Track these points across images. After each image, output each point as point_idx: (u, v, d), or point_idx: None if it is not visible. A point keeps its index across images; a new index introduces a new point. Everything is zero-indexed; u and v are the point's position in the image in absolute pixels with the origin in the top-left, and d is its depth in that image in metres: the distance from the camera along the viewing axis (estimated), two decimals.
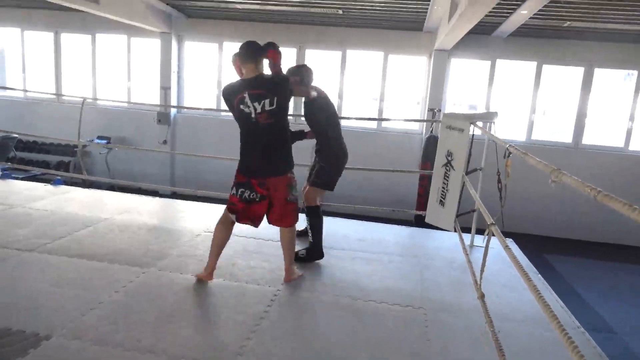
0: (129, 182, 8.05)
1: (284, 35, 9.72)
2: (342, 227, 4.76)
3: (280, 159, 3.27)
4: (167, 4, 9.20)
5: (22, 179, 7.31)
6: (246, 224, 3.34)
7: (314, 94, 3.70)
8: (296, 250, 3.62)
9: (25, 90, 10.56)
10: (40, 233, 4.01)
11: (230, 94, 3.19)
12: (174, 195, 9.51)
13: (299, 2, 8.23)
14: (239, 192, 3.25)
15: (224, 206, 5.30)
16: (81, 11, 8.32)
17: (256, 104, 3.09)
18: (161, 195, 7.56)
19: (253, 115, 3.11)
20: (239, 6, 8.76)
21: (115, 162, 10.54)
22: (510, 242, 4.23)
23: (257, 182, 3.21)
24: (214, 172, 9.99)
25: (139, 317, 2.80)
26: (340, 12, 8.41)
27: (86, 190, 5.92)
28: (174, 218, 5.12)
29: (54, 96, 10.59)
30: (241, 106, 3.13)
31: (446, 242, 4.54)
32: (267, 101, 3.08)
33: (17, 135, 8.70)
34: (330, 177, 3.88)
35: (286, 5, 8.48)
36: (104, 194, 5.77)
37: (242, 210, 3.26)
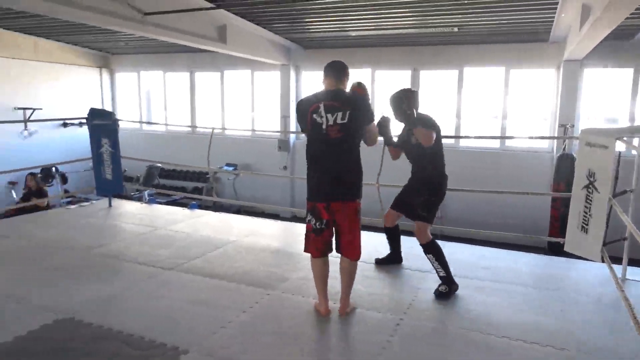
0: (253, 205, 8.54)
1: (398, 58, 9.72)
2: (465, 253, 4.48)
3: (351, 181, 3.02)
4: (286, 38, 9.77)
5: (164, 203, 8.15)
6: (317, 256, 3.12)
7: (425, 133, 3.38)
8: (437, 288, 3.50)
9: (167, 125, 11.89)
10: (179, 253, 4.39)
11: (305, 105, 3.07)
12: (294, 218, 9.86)
13: (413, 24, 8.17)
14: (311, 220, 3.08)
15: None
16: (212, 51, 9.21)
17: (329, 115, 2.93)
18: (282, 218, 7.88)
19: (324, 127, 2.95)
20: (352, 33, 8.96)
21: (242, 187, 11.30)
22: None
23: (323, 205, 3.01)
24: None
25: (265, 339, 2.87)
26: (456, 29, 8.16)
27: (217, 213, 6.38)
28: (294, 241, 5.25)
29: (189, 128, 11.77)
30: (314, 115, 2.97)
31: (591, 274, 4.01)
32: (340, 114, 2.93)
33: (160, 165, 9.79)
34: (434, 208, 3.63)
35: (400, 28, 8.48)
36: (231, 217, 6.17)
37: (311, 240, 3.11)
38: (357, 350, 2.79)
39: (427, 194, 3.60)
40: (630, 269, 3.86)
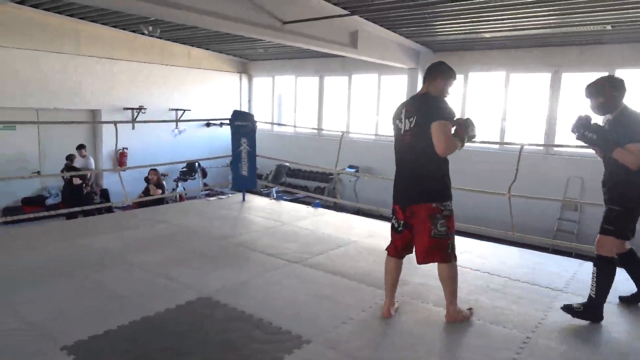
0: (372, 208, 8.63)
1: (535, 59, 9.05)
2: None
3: (423, 185, 2.98)
4: (415, 42, 9.68)
5: (290, 200, 8.64)
6: (393, 255, 3.22)
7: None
8: (573, 303, 3.20)
9: (295, 126, 12.55)
10: (303, 249, 4.65)
11: (396, 110, 3.14)
12: None
13: (555, 23, 7.54)
14: (392, 219, 3.21)
15: (465, 239, 5.18)
16: (342, 56, 9.50)
17: (407, 121, 3.00)
18: None
19: (402, 132, 3.04)
20: (486, 35, 8.57)
21: (362, 189, 11.48)
22: None
23: (399, 207, 3.10)
24: (458, 203, 9.84)
25: (383, 340, 2.93)
26: (609, 27, 7.34)
27: (338, 213, 6.60)
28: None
29: (316, 130, 12.28)
30: (397, 121, 3.08)
31: None
32: (412, 118, 2.96)
33: (288, 164, 10.39)
34: (625, 222, 3.09)
35: (540, 28, 7.88)
36: (352, 218, 6.33)
37: (392, 240, 3.22)
38: None
39: (614, 205, 3.11)
40: None
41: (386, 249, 3.29)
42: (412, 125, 2.96)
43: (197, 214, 6.11)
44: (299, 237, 5.08)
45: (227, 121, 6.83)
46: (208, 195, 9.89)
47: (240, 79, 13.94)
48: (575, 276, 4.08)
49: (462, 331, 3.06)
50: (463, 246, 4.88)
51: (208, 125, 12.93)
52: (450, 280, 3.08)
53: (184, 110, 12.01)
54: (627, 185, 3.05)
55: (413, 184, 3.03)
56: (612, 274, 3.09)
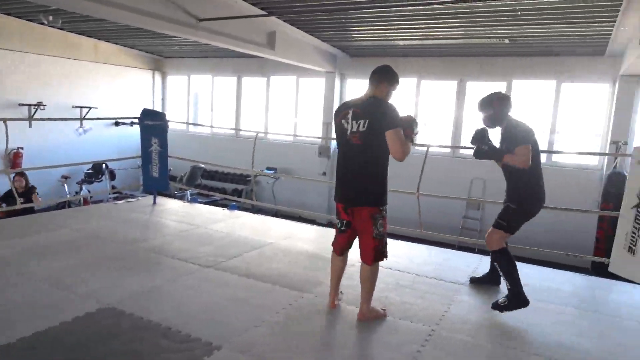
0: (290, 210, 8.64)
1: (444, 68, 9.61)
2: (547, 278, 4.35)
3: (366, 187, 3.07)
4: (333, 46, 9.87)
5: (205, 203, 8.40)
6: (337, 253, 3.36)
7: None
8: (498, 300, 3.40)
9: (212, 127, 12.24)
10: (218, 252, 4.53)
11: (338, 111, 3.18)
12: (330, 225, 9.91)
13: (461, 34, 8.08)
14: (336, 219, 3.31)
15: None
16: (260, 57, 9.43)
17: (354, 122, 3.04)
18: (318, 224, 7.94)
19: (348, 133, 3.07)
20: (400, 42, 8.95)
21: (280, 190, 11.46)
22: None
23: (342, 207, 3.20)
24: None
25: (296, 341, 2.93)
26: (507, 41, 8.00)
27: (255, 215, 6.52)
28: (330, 247, 5.30)
29: (233, 131, 12.07)
30: (342, 121, 3.11)
31: (636, 297, 3.84)
32: (362, 121, 3.00)
33: (203, 165, 10.09)
34: (517, 220, 3.49)
35: (447, 39, 8.40)
36: (269, 220, 6.29)
37: (336, 238, 3.34)
38: (387, 358, 2.79)
39: (512, 204, 3.49)
40: None
41: (332, 245, 3.38)
42: (363, 128, 2.99)
43: (103, 218, 5.73)
44: (213, 240, 4.94)
45: (137, 120, 6.48)
46: (116, 198, 9.32)
47: (153, 77, 13.31)
48: (476, 270, 4.37)
49: (373, 328, 3.15)
50: None
51: (117, 124, 12.19)
52: (371, 279, 3.20)
53: (90, 108, 11.21)
54: (524, 187, 3.45)
55: (359, 185, 3.09)
56: (511, 261, 3.41)
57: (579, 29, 7.15)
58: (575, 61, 8.56)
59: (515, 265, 3.41)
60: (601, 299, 3.92)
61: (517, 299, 3.32)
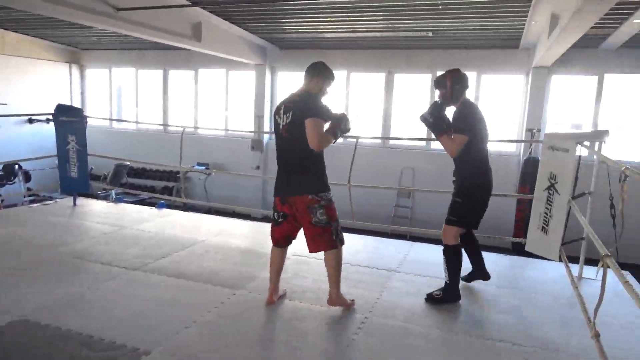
0: (224, 206, 8.47)
1: (372, 61, 9.79)
2: (431, 253, 4.54)
3: (300, 178, 3.11)
4: (262, 38, 9.72)
5: (132, 202, 8.00)
6: (275, 245, 3.34)
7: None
8: (432, 291, 3.47)
9: (137, 122, 11.68)
10: (145, 253, 4.32)
11: (276, 107, 3.21)
12: (265, 219, 9.82)
13: (386, 27, 8.26)
14: (272, 212, 3.31)
15: None
16: (186, 49, 9.10)
17: (285, 116, 3.09)
18: (252, 219, 7.84)
19: (280, 127, 3.13)
20: (328, 35, 9.00)
21: (213, 186, 11.19)
22: (627, 275, 3.74)
23: (280, 199, 3.21)
24: None
25: (229, 339, 2.86)
26: (430, 34, 8.29)
27: (186, 213, 6.31)
28: (264, 241, 5.21)
29: (161, 127, 11.59)
30: (276, 117, 3.17)
31: (550, 273, 4.13)
32: (290, 114, 3.06)
33: (129, 163, 9.61)
34: (466, 213, 3.42)
35: (374, 32, 8.55)
36: (201, 217, 6.11)
37: (272, 231, 3.33)
38: (321, 348, 2.81)
39: (457, 196, 3.45)
40: (586, 268, 4.00)
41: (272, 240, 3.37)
42: (288, 120, 3.05)
43: (16, 222, 5.28)
44: (140, 241, 4.72)
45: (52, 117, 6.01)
46: (32, 201, 8.65)
47: (70, 70, 12.46)
48: (406, 257, 4.50)
49: (307, 320, 3.15)
50: None
51: (31, 121, 11.29)
52: (335, 266, 3.21)
53: None
54: (469, 178, 3.43)
55: (291, 177, 3.14)
56: (459, 260, 3.44)
57: (495, 23, 7.56)
58: (493, 54, 9.05)
59: (461, 265, 3.44)
60: (519, 276, 4.18)
61: (452, 295, 3.43)
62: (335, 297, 3.26)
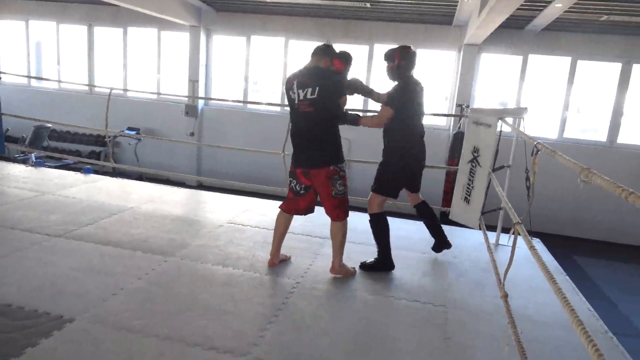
0: (156, 172, 8.19)
1: (312, 28, 9.70)
2: (363, 222, 4.71)
3: (319, 150, 3.25)
4: None
5: (56, 167, 7.53)
6: (293, 213, 3.45)
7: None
8: (366, 260, 3.59)
9: (60, 82, 10.86)
10: (69, 220, 4.12)
11: (287, 82, 3.33)
12: (200, 187, 9.63)
13: None
14: (290, 182, 3.42)
15: (249, 198, 5.35)
16: (114, 5, 8.50)
17: (300, 91, 3.20)
18: (187, 186, 7.66)
19: (296, 102, 3.24)
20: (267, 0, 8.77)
21: (144, 153, 10.76)
22: (537, 242, 4.11)
23: (301, 171, 3.31)
24: (240, 164, 10.09)
25: (159, 305, 2.83)
26: (369, 5, 8.32)
27: (115, 179, 6.04)
28: (198, 209, 5.18)
29: (87, 87, 10.87)
30: (290, 92, 3.27)
31: (471, 241, 4.44)
32: (309, 90, 3.17)
33: (50, 125, 8.96)
34: (388, 181, 3.56)
35: None
36: (131, 183, 5.89)
37: (290, 200, 3.42)
38: (254, 312, 2.86)
39: (382, 166, 3.62)
40: (502, 235, 4.33)
41: (281, 207, 3.46)
42: (313, 95, 3.15)
43: None
44: (63, 207, 4.48)
45: None
46: None
47: None
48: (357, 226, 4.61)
49: (240, 285, 3.18)
50: (245, 205, 5.05)
51: None
52: (340, 236, 3.35)
53: None
54: (394, 151, 3.57)
55: (313, 150, 3.25)
56: (385, 227, 3.56)
57: None
58: (428, 29, 9.28)
59: (388, 232, 3.56)
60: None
61: (384, 263, 3.57)
62: (338, 267, 3.40)
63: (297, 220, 4.60)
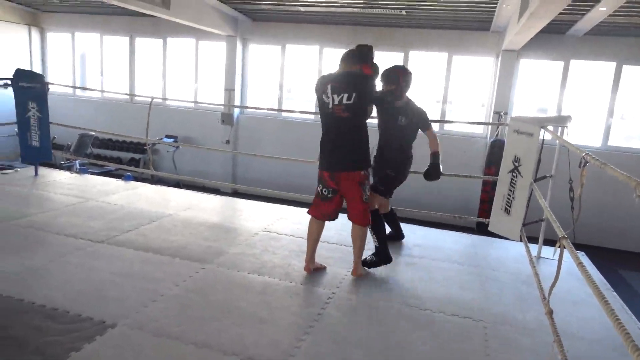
0: (193, 179, 8.35)
1: (346, 36, 9.71)
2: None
3: (352, 154, 3.29)
4: (234, 9, 9.47)
5: (98, 174, 7.79)
6: (320, 219, 3.45)
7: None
8: (366, 257, 3.63)
9: (102, 91, 11.27)
10: (111, 226, 4.24)
11: (319, 85, 3.34)
12: (235, 194, 9.76)
13: (362, 3, 8.18)
14: (318, 187, 3.42)
15: (283, 206, 5.37)
16: (154, 16, 8.77)
17: (335, 96, 3.22)
18: (222, 193, 7.78)
19: (330, 106, 3.25)
20: (302, 9, 8.85)
21: (182, 160, 11.00)
22: (582, 255, 3.94)
23: (329, 175, 3.32)
24: (273, 171, 10.17)
25: (197, 312, 2.87)
26: (404, 12, 8.27)
27: (153, 186, 6.20)
28: (233, 216, 5.24)
29: (127, 96, 11.23)
30: (323, 96, 3.28)
31: (511, 253, 4.31)
32: (345, 95, 3.20)
33: (94, 133, 9.31)
34: (393, 186, 3.84)
35: (348, 7, 8.46)
36: (169, 191, 6.02)
37: (318, 204, 3.43)
38: (289, 321, 2.86)
39: (389, 170, 3.76)
40: (545, 248, 4.18)
41: (309, 213, 3.49)
42: (349, 101, 3.18)
43: None
44: (105, 214, 4.62)
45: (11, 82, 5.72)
46: None
47: (30, 33, 11.84)
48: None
49: (276, 294, 3.19)
50: (279, 213, 5.07)
51: None
52: (362, 239, 3.43)
53: None
54: (404, 156, 3.81)
55: (346, 154, 3.28)
56: (382, 222, 3.74)
57: (467, 5, 7.61)
58: (465, 35, 9.13)
59: (384, 227, 3.76)
60: (482, 255, 4.33)
61: (384, 257, 3.66)
62: (359, 269, 3.51)
63: (332, 230, 4.59)
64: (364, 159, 3.33)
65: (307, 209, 3.54)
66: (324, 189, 3.38)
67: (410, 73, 3.77)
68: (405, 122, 3.69)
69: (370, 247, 3.71)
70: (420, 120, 3.77)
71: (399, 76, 3.68)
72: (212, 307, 2.95)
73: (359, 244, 3.46)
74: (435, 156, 3.74)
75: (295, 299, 3.15)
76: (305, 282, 3.40)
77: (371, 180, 3.56)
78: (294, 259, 3.78)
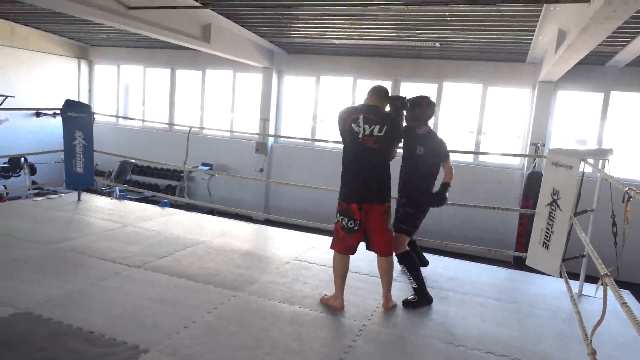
0: (226, 207, 8.49)
1: (379, 68, 9.84)
2: (433, 264, 4.56)
3: (381, 186, 3.34)
4: (270, 42, 9.78)
5: (136, 199, 8.04)
6: (344, 253, 3.40)
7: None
8: (407, 297, 3.61)
9: (144, 120, 11.73)
10: (147, 251, 4.35)
11: (346, 114, 3.36)
12: (267, 222, 9.84)
13: (394, 36, 8.30)
14: (341, 219, 3.36)
15: (314, 235, 5.38)
16: (194, 49, 9.16)
17: (366, 127, 3.26)
18: (255, 221, 7.86)
19: (361, 136, 3.26)
20: (336, 41, 9.05)
21: (216, 187, 11.23)
22: (626, 294, 3.76)
23: (357, 207, 3.30)
24: (305, 200, 10.22)
25: (228, 340, 2.88)
26: (438, 45, 8.33)
27: (188, 213, 6.34)
28: (265, 244, 5.28)
29: (167, 125, 11.65)
30: (353, 125, 3.29)
31: (550, 289, 4.14)
32: (377, 127, 3.25)
33: (134, 161, 9.65)
34: (416, 223, 3.78)
35: (382, 40, 8.60)
36: (203, 218, 6.14)
37: (342, 238, 3.38)
38: (320, 353, 2.82)
39: (410, 208, 3.73)
40: (586, 285, 4.00)
41: (333, 248, 3.44)
42: (380, 133, 3.24)
43: (20, 216, 5.32)
44: (142, 239, 4.74)
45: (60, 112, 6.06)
46: (37, 194, 8.69)
47: (79, 65, 12.54)
48: (426, 269, 4.48)
49: (307, 324, 3.17)
50: (310, 242, 5.08)
51: (38, 115, 11.37)
52: (390, 271, 3.45)
53: (6, 97, 10.35)
54: (424, 190, 3.75)
55: (373, 185, 3.31)
56: (415, 262, 3.68)
57: (502, 37, 7.59)
58: (500, 66, 9.08)
59: (419, 266, 3.71)
60: (519, 290, 4.18)
61: (424, 297, 3.59)
62: (390, 301, 3.48)
63: (363, 261, 4.55)
64: (388, 191, 3.39)
65: None
66: (349, 222, 3.32)
67: (434, 103, 3.82)
68: (423, 152, 3.69)
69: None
70: (438, 152, 3.74)
71: (423, 102, 3.74)
72: (243, 336, 2.95)
73: (387, 276, 3.44)
74: (444, 186, 3.71)
75: (326, 331, 3.11)
76: (335, 313, 3.37)
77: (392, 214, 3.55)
78: (325, 289, 3.76)
